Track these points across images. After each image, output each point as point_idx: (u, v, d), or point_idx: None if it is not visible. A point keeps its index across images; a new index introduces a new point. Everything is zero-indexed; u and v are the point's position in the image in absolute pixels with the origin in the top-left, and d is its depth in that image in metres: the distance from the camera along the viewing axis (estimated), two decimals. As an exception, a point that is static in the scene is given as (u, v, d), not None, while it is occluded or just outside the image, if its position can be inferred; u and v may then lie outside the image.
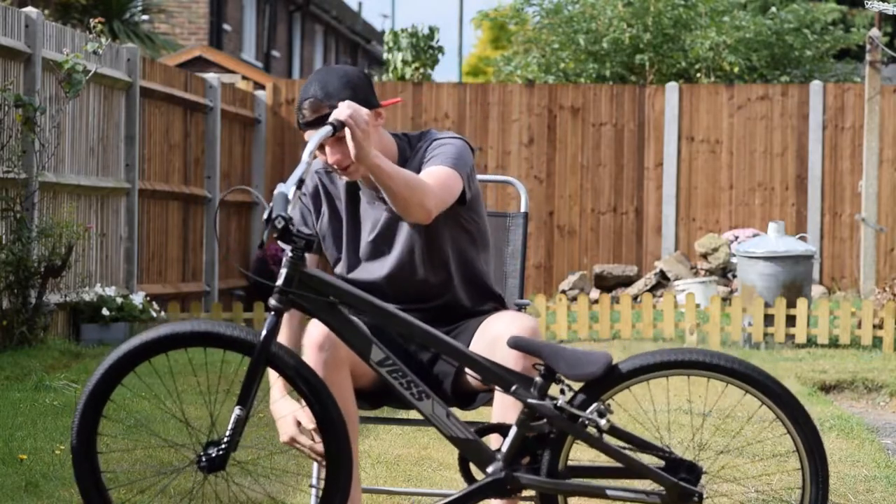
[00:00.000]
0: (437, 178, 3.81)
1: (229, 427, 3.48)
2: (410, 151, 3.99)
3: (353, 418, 3.78)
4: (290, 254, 3.54)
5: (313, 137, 3.63)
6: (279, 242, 3.53)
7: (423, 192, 3.71)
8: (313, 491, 4.02)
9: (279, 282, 3.54)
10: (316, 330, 3.76)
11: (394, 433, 6.28)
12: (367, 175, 3.84)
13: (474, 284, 4.06)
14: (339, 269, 4.05)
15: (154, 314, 10.55)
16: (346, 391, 3.76)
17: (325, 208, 4.04)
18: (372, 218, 3.98)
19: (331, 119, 3.66)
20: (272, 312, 3.52)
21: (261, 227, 14.77)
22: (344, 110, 3.63)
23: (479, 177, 4.39)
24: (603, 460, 3.66)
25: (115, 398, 3.57)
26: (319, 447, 3.69)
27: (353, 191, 4.01)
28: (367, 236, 4.00)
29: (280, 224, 3.43)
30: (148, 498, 4.46)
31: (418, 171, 3.88)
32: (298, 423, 3.73)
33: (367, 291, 3.81)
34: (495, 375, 3.59)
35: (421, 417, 4.31)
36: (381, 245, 3.98)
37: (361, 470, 5.23)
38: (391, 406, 4.05)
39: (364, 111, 3.66)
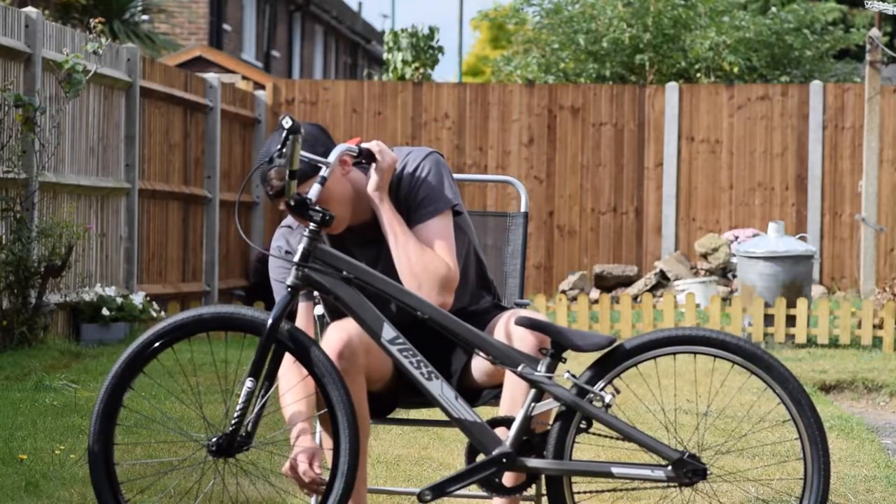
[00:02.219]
0: (438, 239, 3.84)
1: (240, 400, 3.51)
2: None
3: (365, 423, 3.81)
4: (307, 230, 3.58)
5: (338, 148, 3.69)
6: (296, 216, 3.58)
7: (437, 280, 3.78)
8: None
9: (296, 257, 3.58)
10: (335, 336, 3.77)
11: (394, 433, 6.28)
12: (350, 222, 3.88)
13: (470, 281, 4.07)
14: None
15: (154, 314, 10.54)
16: (361, 400, 3.80)
17: None
18: (367, 257, 3.97)
19: (364, 146, 3.75)
20: (288, 290, 3.55)
21: (262, 224, 14.80)
22: (373, 146, 3.79)
23: (479, 177, 4.56)
24: (605, 457, 3.67)
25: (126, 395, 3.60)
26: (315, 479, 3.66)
27: (338, 241, 3.99)
28: None
29: (287, 123, 3.46)
30: (147, 497, 4.46)
31: (405, 206, 3.89)
32: (310, 461, 3.66)
33: None
34: (503, 354, 3.63)
35: (422, 417, 4.32)
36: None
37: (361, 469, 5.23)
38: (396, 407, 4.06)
39: (390, 154, 3.80)
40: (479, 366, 3.92)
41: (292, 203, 3.55)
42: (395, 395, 4.00)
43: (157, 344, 3.58)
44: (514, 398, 3.73)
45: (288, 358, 3.67)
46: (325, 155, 3.73)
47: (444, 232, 3.87)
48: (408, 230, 3.82)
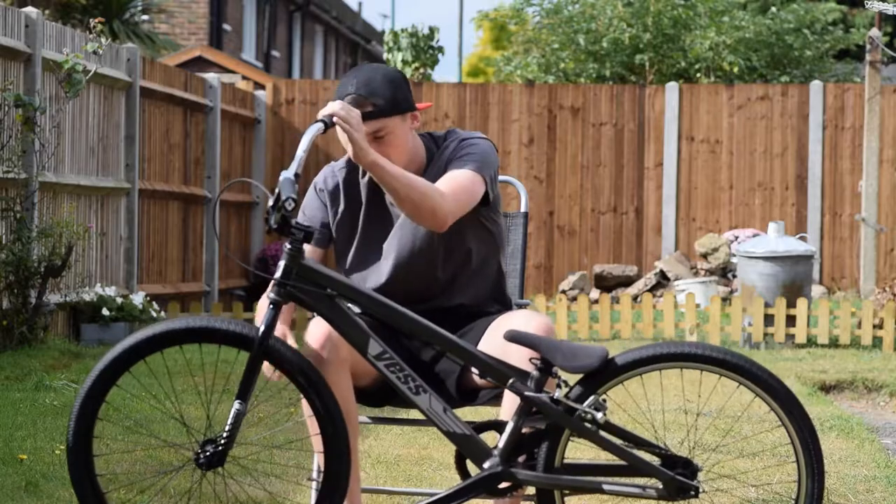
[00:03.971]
0: (458, 182, 3.83)
1: (228, 422, 3.49)
2: (437, 150, 4.01)
3: (352, 418, 3.78)
4: (288, 246, 3.56)
5: (306, 133, 3.65)
6: (278, 234, 3.55)
7: (433, 199, 3.73)
8: (313, 484, 4.01)
9: (277, 274, 3.56)
10: (317, 329, 3.76)
11: (394, 433, 6.28)
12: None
13: (483, 285, 4.05)
14: (351, 262, 4.04)
15: (154, 314, 10.55)
16: (346, 391, 3.77)
17: (342, 206, 4.03)
18: (394, 214, 3.99)
19: (321, 116, 3.69)
20: (270, 305, 3.53)
21: (261, 225, 14.79)
22: (335, 108, 3.68)
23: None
24: (600, 458, 3.67)
25: (112, 400, 3.56)
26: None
27: (374, 189, 4.01)
28: (386, 231, 4.00)
29: (290, 206, 3.46)
30: (147, 498, 4.46)
31: (444, 170, 3.90)
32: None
33: (376, 286, 3.91)
34: (491, 369, 3.60)
35: (422, 417, 4.32)
36: (402, 239, 3.97)
37: (361, 470, 5.23)
38: (392, 406, 4.05)
39: (356, 112, 3.71)
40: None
41: (275, 226, 3.53)
42: (387, 391, 3.96)
43: (130, 358, 3.51)
44: (515, 403, 3.72)
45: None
46: (405, 102, 3.85)
47: (467, 181, 3.84)
48: (404, 171, 3.76)
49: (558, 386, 3.58)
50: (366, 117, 3.80)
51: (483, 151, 3.93)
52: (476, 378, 3.93)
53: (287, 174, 3.49)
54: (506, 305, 4.12)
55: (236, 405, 3.48)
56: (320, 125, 3.67)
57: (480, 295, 4.05)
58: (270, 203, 3.48)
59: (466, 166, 3.88)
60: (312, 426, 3.78)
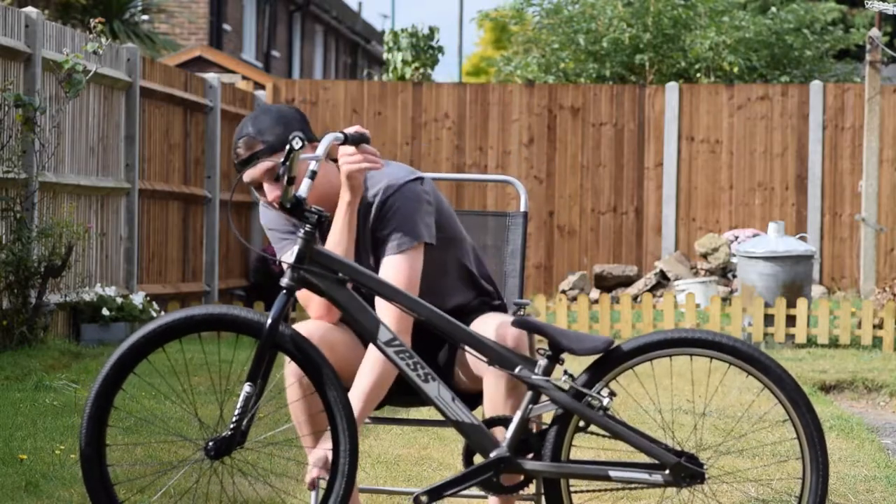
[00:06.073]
0: (400, 279, 3.79)
1: (238, 404, 3.48)
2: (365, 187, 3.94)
3: None
4: (302, 231, 3.55)
5: (325, 139, 3.65)
6: (292, 218, 3.56)
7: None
8: (313, 492, 4.00)
9: (292, 259, 3.56)
10: (304, 328, 3.78)
11: (394, 433, 6.28)
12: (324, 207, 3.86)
13: (464, 282, 4.05)
14: None
15: (154, 314, 10.54)
16: None
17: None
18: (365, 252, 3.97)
19: (343, 132, 3.71)
20: (283, 291, 3.53)
21: (260, 227, 14.78)
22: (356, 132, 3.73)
23: (479, 176, 4.51)
24: (605, 456, 3.66)
25: (118, 397, 3.56)
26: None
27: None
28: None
29: (298, 144, 3.45)
30: (148, 497, 4.46)
31: (372, 222, 3.86)
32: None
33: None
34: (499, 356, 3.60)
35: (421, 417, 4.31)
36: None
37: (361, 470, 5.24)
38: (391, 406, 4.05)
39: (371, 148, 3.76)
40: (466, 370, 3.91)
41: (288, 205, 3.53)
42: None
43: (148, 345, 3.53)
44: (497, 399, 3.72)
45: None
46: (290, 133, 3.75)
47: (407, 272, 3.81)
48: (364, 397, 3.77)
49: (565, 373, 3.59)
50: (257, 156, 3.77)
51: (411, 208, 3.83)
52: (465, 381, 3.92)
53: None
54: (482, 292, 4.10)
55: (246, 387, 3.47)
56: (340, 135, 3.68)
57: (462, 293, 4.04)
58: (282, 159, 3.49)
59: (399, 249, 3.81)
60: (301, 427, 3.79)
